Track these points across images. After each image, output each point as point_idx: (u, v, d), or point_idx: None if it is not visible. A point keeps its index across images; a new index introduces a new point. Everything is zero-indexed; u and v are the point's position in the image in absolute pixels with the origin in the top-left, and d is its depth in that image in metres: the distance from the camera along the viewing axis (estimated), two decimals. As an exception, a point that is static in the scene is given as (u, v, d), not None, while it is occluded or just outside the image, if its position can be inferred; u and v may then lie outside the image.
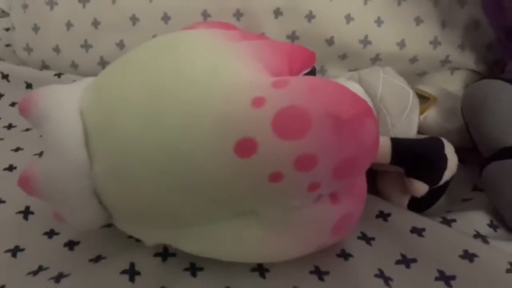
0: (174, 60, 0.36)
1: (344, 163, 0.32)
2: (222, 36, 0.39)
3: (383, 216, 0.45)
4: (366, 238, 0.43)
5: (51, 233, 0.44)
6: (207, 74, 0.34)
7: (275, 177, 0.32)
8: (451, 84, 0.64)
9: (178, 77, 0.34)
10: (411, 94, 0.48)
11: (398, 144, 0.44)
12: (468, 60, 0.64)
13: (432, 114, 0.55)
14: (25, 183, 0.35)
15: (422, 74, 0.65)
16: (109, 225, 0.42)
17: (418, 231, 0.43)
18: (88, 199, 0.35)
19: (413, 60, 0.62)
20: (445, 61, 0.63)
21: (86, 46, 0.66)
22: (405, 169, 0.45)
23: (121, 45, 0.65)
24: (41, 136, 0.36)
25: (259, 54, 0.37)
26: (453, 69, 0.65)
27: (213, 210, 0.35)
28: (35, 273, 0.40)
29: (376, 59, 0.62)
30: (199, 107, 0.33)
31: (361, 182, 0.39)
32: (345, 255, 0.41)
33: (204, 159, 0.32)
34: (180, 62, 0.35)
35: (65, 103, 0.36)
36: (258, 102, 0.32)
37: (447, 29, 0.62)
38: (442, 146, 0.45)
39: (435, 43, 0.62)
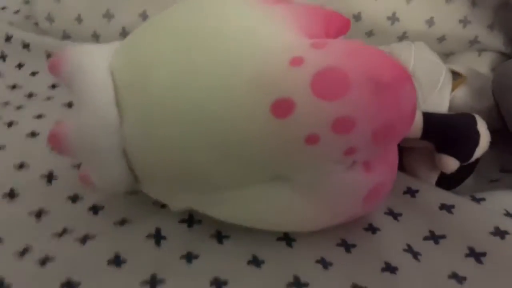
0: (208, 19, 0.35)
1: (383, 128, 0.32)
2: (256, -1, 0.38)
3: (411, 192, 0.44)
4: (393, 214, 0.42)
5: (75, 198, 0.44)
6: (243, 33, 0.33)
7: (312, 139, 0.31)
8: (478, 66, 0.63)
9: (212, 35, 0.33)
10: (444, 69, 0.47)
11: (429, 118, 0.43)
12: (497, 41, 0.63)
13: (460, 94, 0.54)
14: (55, 140, 0.35)
15: (449, 55, 0.64)
16: (134, 193, 0.42)
17: (447, 208, 0.42)
18: (116, 158, 0.35)
19: (441, 39, 0.61)
20: (473, 42, 0.62)
21: (108, 16, 0.65)
22: (436, 144, 0.44)
23: (144, 15, 0.65)
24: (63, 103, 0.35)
25: (296, 16, 0.36)
26: (480, 51, 0.64)
27: (245, 173, 0.34)
28: (60, 234, 0.39)
29: (403, 37, 0.61)
30: (234, 65, 0.32)
31: (394, 152, 0.38)
32: (372, 228, 0.41)
33: (238, 119, 0.31)
34: (214, 21, 0.34)
35: (97, 61, 0.36)
36: (296, 61, 0.31)
37: (477, 8, 0.61)
38: (474, 121, 0.44)
39: (464, 22, 0.60)
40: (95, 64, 0.36)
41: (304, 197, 0.35)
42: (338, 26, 0.40)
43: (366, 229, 0.41)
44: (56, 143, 0.35)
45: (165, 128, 0.33)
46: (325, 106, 0.30)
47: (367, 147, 0.32)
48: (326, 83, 0.30)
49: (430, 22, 0.60)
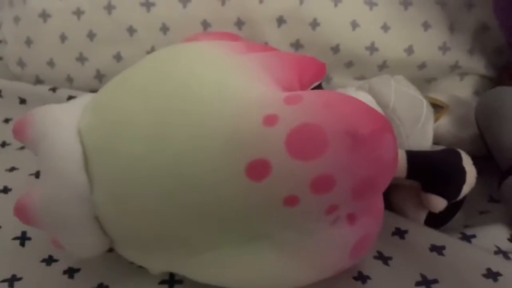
0: (177, 78, 0.33)
1: (364, 183, 0.30)
2: (226, 48, 0.37)
3: (400, 233, 0.43)
4: (383, 258, 0.41)
5: (49, 260, 0.42)
6: (214, 92, 0.32)
7: (291, 200, 0.29)
8: (460, 90, 0.63)
9: (182, 96, 0.32)
10: (425, 103, 0.46)
11: (414, 157, 0.42)
12: (477, 65, 0.62)
13: (444, 123, 0.53)
14: (21, 213, 0.33)
15: (430, 81, 0.63)
16: (111, 250, 0.40)
17: (437, 249, 0.40)
18: (88, 225, 0.34)
19: (422, 66, 0.60)
20: (454, 67, 0.61)
21: (81, 59, 0.64)
22: (422, 183, 0.43)
23: (118, 57, 0.63)
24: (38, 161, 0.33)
25: (268, 66, 0.35)
26: (462, 75, 0.63)
27: (223, 236, 0.33)
28: (33, 305, 0.37)
29: (383, 66, 0.60)
30: (207, 128, 0.30)
31: (378, 200, 0.37)
32: (362, 277, 0.39)
33: (213, 183, 0.30)
34: (184, 80, 0.33)
35: (62, 124, 0.34)
36: (270, 120, 0.29)
37: (456, 33, 0.60)
38: (460, 158, 0.42)
39: (444, 48, 0.60)
40: (61, 127, 0.34)
41: (286, 256, 0.33)
42: (313, 72, 0.38)
43: (356, 278, 0.39)
44: (23, 216, 0.33)
45: (138, 194, 0.32)
46: (302, 166, 0.29)
47: (349, 203, 0.31)
48: (302, 142, 0.29)
49: (410, 50, 0.59)
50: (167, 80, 0.33)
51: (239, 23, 0.60)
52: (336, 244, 0.33)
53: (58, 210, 0.32)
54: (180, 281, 0.38)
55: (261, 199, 0.30)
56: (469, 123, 0.52)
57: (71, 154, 0.32)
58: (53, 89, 0.63)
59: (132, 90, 0.34)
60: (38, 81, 0.66)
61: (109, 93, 0.36)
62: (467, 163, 0.43)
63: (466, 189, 0.42)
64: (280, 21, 0.60)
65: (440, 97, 0.54)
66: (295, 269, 0.34)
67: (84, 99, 0.37)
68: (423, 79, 0.62)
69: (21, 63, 0.66)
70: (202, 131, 0.30)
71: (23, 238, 0.44)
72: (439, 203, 0.42)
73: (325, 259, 0.34)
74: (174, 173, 0.30)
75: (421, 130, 0.46)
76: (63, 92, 0.63)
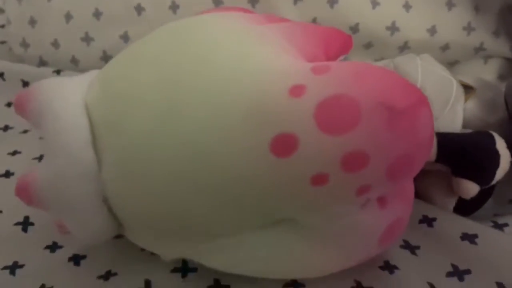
0: (194, 48, 0.31)
1: (399, 161, 0.27)
2: (245, 18, 0.34)
3: (428, 221, 0.40)
4: (410, 247, 0.38)
5: (53, 247, 0.39)
6: (235, 59, 0.29)
7: (319, 179, 0.27)
8: (484, 74, 0.60)
9: (199, 62, 0.29)
10: (455, 83, 0.43)
11: (444, 140, 0.39)
12: (503, 47, 0.59)
13: (470, 107, 0.50)
14: (23, 192, 0.31)
15: (453, 64, 0.60)
16: (120, 236, 0.37)
17: (469, 238, 0.38)
18: (96, 207, 0.31)
19: (445, 48, 0.58)
20: (479, 49, 0.59)
21: (87, 39, 0.61)
22: (452, 167, 0.40)
23: (125, 37, 0.61)
24: (40, 137, 0.31)
25: (291, 37, 0.32)
26: (486, 58, 0.61)
27: (243, 218, 0.30)
28: (36, 294, 0.35)
29: (404, 48, 0.57)
30: (226, 96, 0.28)
31: (409, 183, 0.34)
32: (389, 267, 0.36)
33: (234, 161, 0.27)
34: (201, 50, 0.30)
35: (68, 96, 0.32)
36: (297, 90, 0.27)
37: (481, 14, 0.57)
38: (493, 140, 0.40)
39: (468, 29, 0.57)
40: (67, 100, 0.31)
41: (311, 241, 0.30)
42: (339, 44, 0.36)
43: (383, 268, 0.36)
44: (25, 195, 0.31)
45: (150, 172, 0.29)
46: (332, 140, 0.26)
47: (382, 184, 0.28)
48: (332, 114, 0.26)
49: (432, 30, 0.56)
50: (183, 50, 0.31)
51: (253, 1, 0.58)
52: (365, 229, 0.31)
53: (63, 189, 0.30)
54: (195, 269, 0.36)
55: (287, 177, 0.27)
56: (497, 107, 0.49)
57: (77, 129, 0.30)
58: (58, 71, 0.61)
59: (144, 60, 0.31)
60: (42, 63, 0.64)
61: (119, 65, 0.33)
62: (501, 146, 0.40)
63: (499, 174, 0.40)
64: (297, -3, 0.57)
65: (466, 79, 0.51)
66: (320, 256, 0.31)
67: (91, 74, 0.35)
68: (446, 62, 0.59)
69: (24, 44, 0.63)
70: (222, 105, 0.28)
71: (25, 224, 0.42)
72: (471, 189, 0.39)
73: (353, 245, 0.31)
74: (188, 146, 0.28)
75: (451, 112, 0.43)
76: (68, 74, 0.60)
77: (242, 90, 0.27)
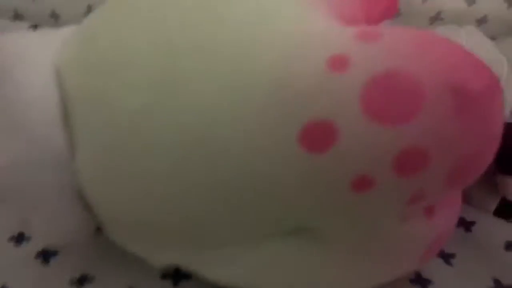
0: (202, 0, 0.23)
1: (465, 163, 0.21)
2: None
3: (465, 224, 0.35)
4: (444, 255, 0.33)
5: (19, 238, 0.33)
6: (256, 22, 0.22)
7: (362, 183, 0.20)
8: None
9: (209, 21, 0.22)
10: (505, 62, 0.36)
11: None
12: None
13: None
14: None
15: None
16: (100, 229, 0.31)
17: (515, 248, 0.32)
18: (67, 203, 0.25)
19: (482, 21, 0.51)
20: (519, 25, 0.52)
21: (70, -10, 0.54)
22: (497, 163, 0.34)
23: (114, -9, 0.53)
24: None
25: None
26: (525, 36, 0.54)
27: (258, 225, 0.24)
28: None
29: (436, 18, 0.51)
30: (244, 73, 0.21)
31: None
32: (421, 281, 0.31)
33: (250, 154, 0.21)
34: (211, 3, 0.23)
35: (35, 59, 0.25)
36: (338, 63, 0.20)
37: (525, -16, 0.50)
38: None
39: (510, 1, 0.50)
40: (32, 63, 0.24)
41: (339, 258, 0.24)
42: (383, 5, 0.29)
43: (414, 282, 0.31)
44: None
45: (139, 162, 0.22)
46: (384, 133, 0.20)
47: (439, 191, 0.22)
48: (385, 97, 0.20)
49: (470, 0, 0.49)
50: (187, 2, 0.23)
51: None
52: (410, 243, 0.25)
53: (24, 179, 0.23)
54: (188, 276, 0.30)
55: (320, 178, 0.21)
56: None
57: (42, 102, 0.23)
58: (34, 26, 0.55)
59: (135, 15, 0.24)
60: (17, 16, 0.57)
61: (101, 20, 0.26)
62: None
63: (553, 172, 0.34)
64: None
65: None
66: (347, 273, 0.25)
67: (67, 31, 0.28)
68: (480, 38, 0.53)
69: (-3, -7, 0.56)
70: (237, 78, 0.21)
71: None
72: (519, 189, 0.33)
73: (390, 263, 0.25)
74: (192, 137, 0.21)
75: (500, 94, 0.36)
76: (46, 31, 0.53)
77: (265, 63, 0.21)
